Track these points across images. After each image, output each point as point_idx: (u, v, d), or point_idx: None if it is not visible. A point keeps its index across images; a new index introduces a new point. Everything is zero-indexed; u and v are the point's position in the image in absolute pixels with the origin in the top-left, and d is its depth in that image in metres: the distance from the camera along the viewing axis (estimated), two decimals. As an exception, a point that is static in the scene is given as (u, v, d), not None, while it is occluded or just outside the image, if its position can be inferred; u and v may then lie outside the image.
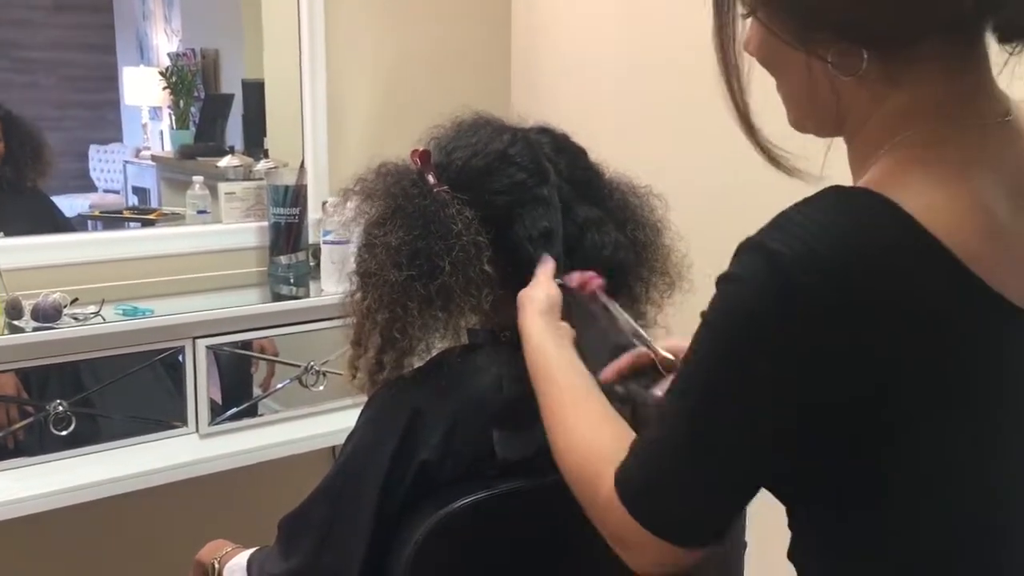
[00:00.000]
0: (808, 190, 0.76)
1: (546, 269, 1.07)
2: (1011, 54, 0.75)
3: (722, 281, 0.75)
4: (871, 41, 0.74)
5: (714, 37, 0.82)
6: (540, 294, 1.04)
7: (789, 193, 0.76)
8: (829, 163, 0.87)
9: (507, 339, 1.14)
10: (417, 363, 1.13)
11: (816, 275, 0.69)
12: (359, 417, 1.14)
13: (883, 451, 0.74)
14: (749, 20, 0.81)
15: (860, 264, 0.69)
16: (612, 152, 1.25)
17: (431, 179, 1.12)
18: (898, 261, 0.70)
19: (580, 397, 0.94)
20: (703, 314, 0.76)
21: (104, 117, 3.90)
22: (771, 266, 0.70)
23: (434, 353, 1.14)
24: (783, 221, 0.72)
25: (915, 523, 0.76)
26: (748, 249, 0.73)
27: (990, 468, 0.77)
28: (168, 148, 3.42)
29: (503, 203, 1.11)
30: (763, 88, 0.84)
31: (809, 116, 0.83)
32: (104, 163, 3.94)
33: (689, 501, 0.80)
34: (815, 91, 0.79)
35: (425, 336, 1.11)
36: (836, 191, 0.73)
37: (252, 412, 2.00)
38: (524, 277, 1.08)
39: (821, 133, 0.84)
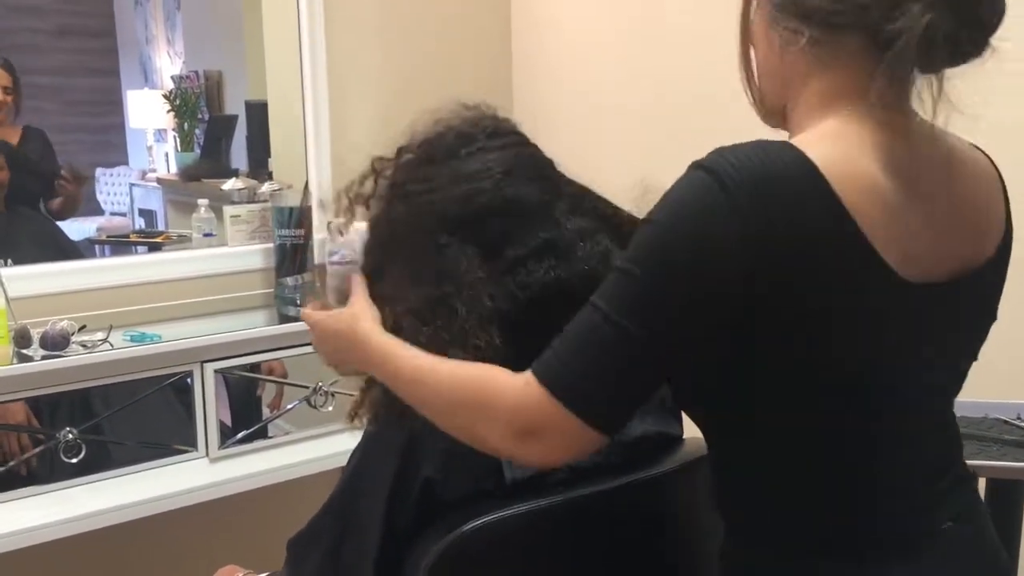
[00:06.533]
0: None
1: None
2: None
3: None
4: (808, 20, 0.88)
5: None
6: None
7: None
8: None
9: None
10: None
11: (728, 187, 0.81)
12: (362, 436, 1.15)
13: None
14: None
15: (762, 185, 0.81)
16: (613, 153, 1.25)
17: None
18: (792, 190, 0.81)
19: (434, 362, 0.97)
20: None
21: (109, 141, 3.91)
22: (694, 171, 0.83)
23: None
24: (715, 151, 0.84)
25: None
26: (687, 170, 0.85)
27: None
28: (173, 170, 3.43)
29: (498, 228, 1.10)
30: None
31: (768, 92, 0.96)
32: (111, 186, 3.96)
33: (620, 390, 0.86)
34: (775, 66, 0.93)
35: None
36: (760, 140, 0.85)
37: (262, 434, 2.01)
38: (521, 301, 1.07)
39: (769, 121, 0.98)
